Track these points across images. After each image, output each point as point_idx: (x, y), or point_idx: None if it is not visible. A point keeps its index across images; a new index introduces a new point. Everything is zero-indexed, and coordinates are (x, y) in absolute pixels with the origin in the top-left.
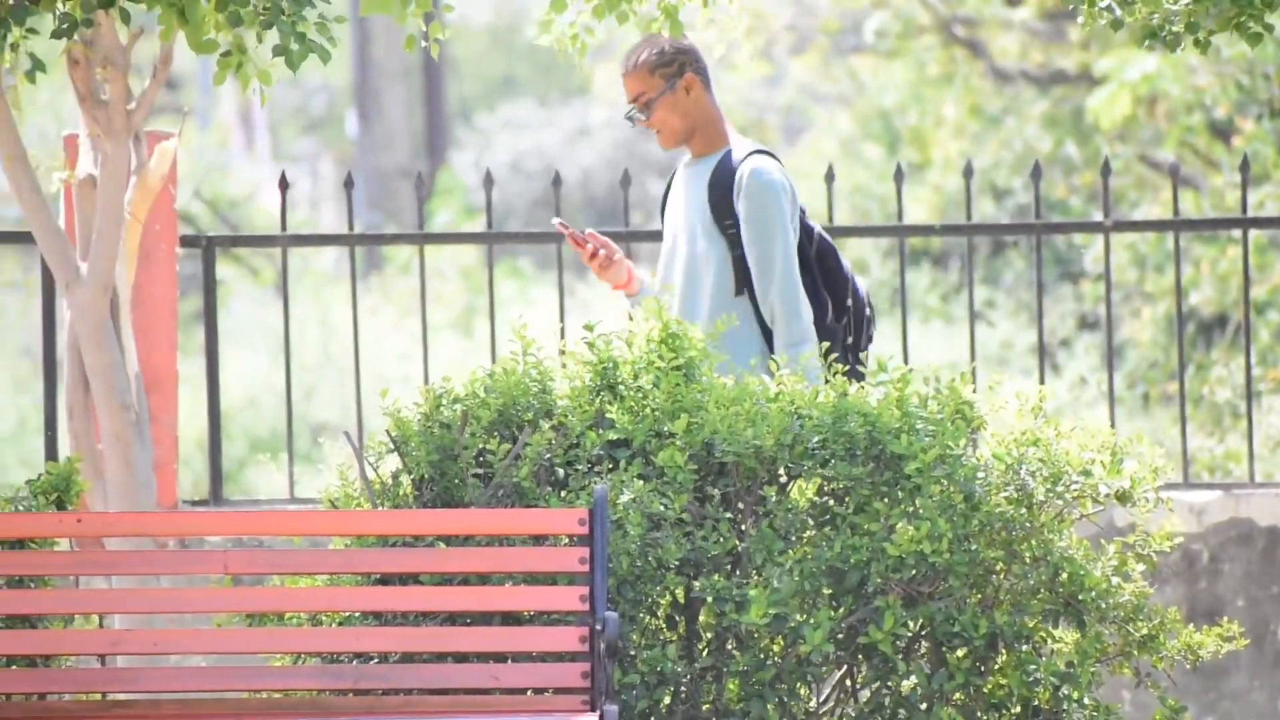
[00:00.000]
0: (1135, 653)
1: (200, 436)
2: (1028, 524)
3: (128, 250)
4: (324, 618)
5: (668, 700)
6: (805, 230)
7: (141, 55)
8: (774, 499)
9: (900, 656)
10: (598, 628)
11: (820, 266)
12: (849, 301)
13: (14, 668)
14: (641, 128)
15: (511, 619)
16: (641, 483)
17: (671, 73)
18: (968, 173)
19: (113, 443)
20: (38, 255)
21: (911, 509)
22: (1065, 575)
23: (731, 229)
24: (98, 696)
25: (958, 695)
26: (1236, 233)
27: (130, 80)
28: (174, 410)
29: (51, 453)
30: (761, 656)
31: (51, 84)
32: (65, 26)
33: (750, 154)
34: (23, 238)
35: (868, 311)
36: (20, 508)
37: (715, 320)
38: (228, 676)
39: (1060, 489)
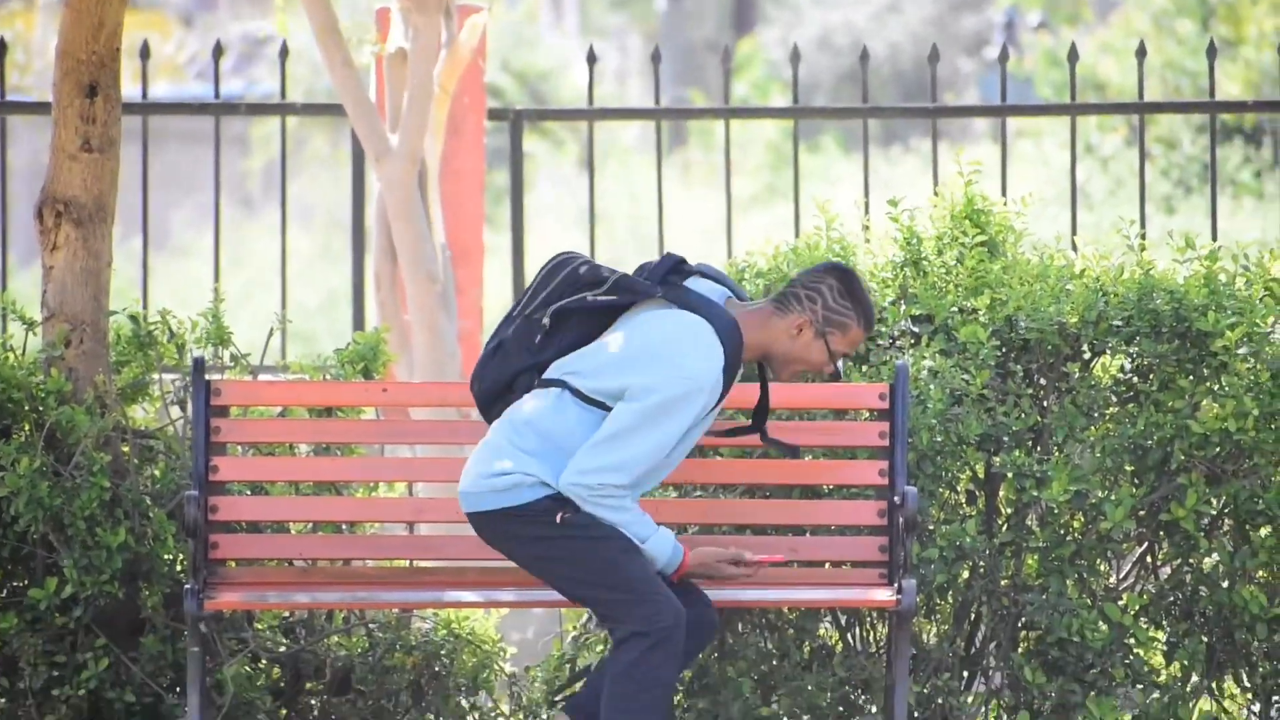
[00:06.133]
0: None
1: (506, 308)
2: None
3: (436, 123)
4: None
5: (966, 575)
6: None
7: None
8: (1077, 375)
9: (1202, 534)
10: (897, 502)
11: None
12: None
13: (321, 534)
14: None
15: (810, 492)
16: (943, 358)
17: None
18: None
19: (419, 314)
20: (348, 128)
21: (1217, 386)
22: None
23: None
24: (403, 563)
25: (1261, 573)
26: None
27: None
28: (480, 283)
29: (359, 323)
30: (1062, 533)
31: None
32: None
33: None
34: (333, 110)
35: None
36: (328, 376)
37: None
38: None
39: None
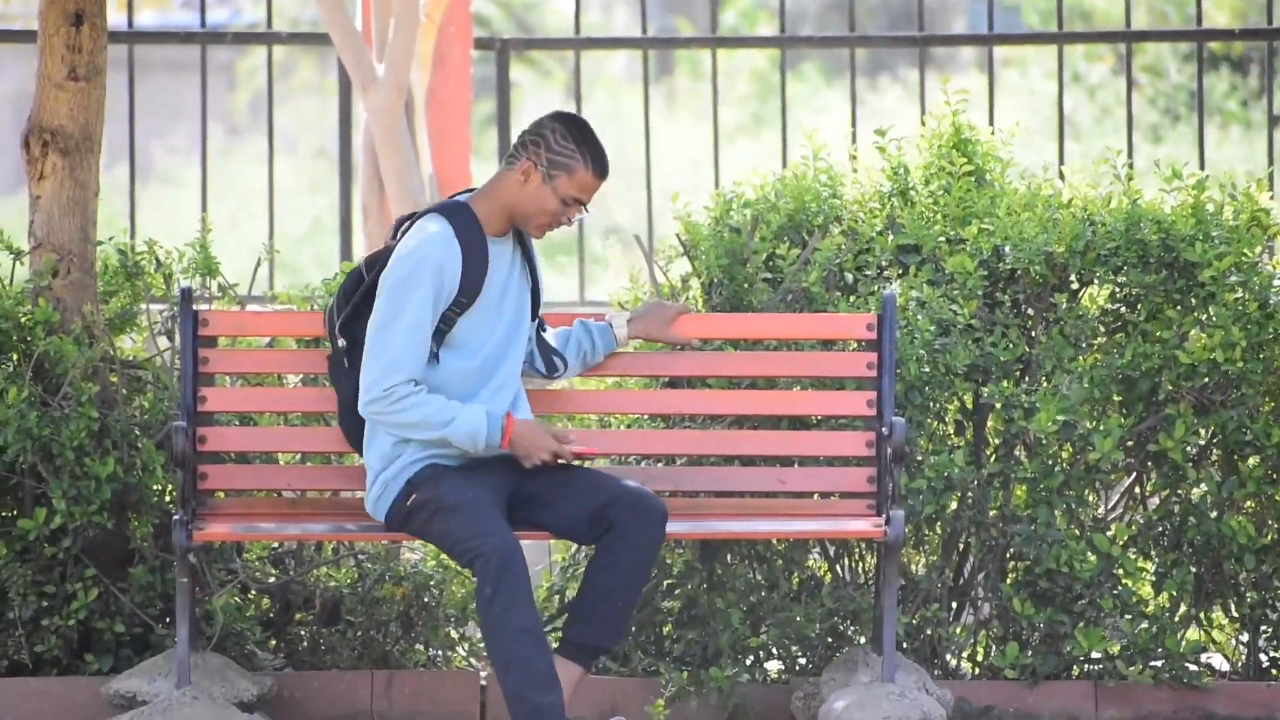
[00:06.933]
0: None
1: None
2: None
3: (423, 52)
4: (612, 419)
5: (954, 506)
6: None
7: None
8: (1064, 305)
9: (1191, 464)
10: (885, 433)
11: None
12: None
13: (309, 464)
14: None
15: (799, 423)
16: (931, 288)
17: None
18: None
19: None
20: (334, 57)
21: (1205, 316)
22: None
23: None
24: None
25: (1249, 503)
26: None
27: None
28: None
29: (346, 253)
30: (1050, 463)
31: None
32: None
33: None
34: (320, 39)
35: None
36: (316, 307)
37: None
38: None
39: None
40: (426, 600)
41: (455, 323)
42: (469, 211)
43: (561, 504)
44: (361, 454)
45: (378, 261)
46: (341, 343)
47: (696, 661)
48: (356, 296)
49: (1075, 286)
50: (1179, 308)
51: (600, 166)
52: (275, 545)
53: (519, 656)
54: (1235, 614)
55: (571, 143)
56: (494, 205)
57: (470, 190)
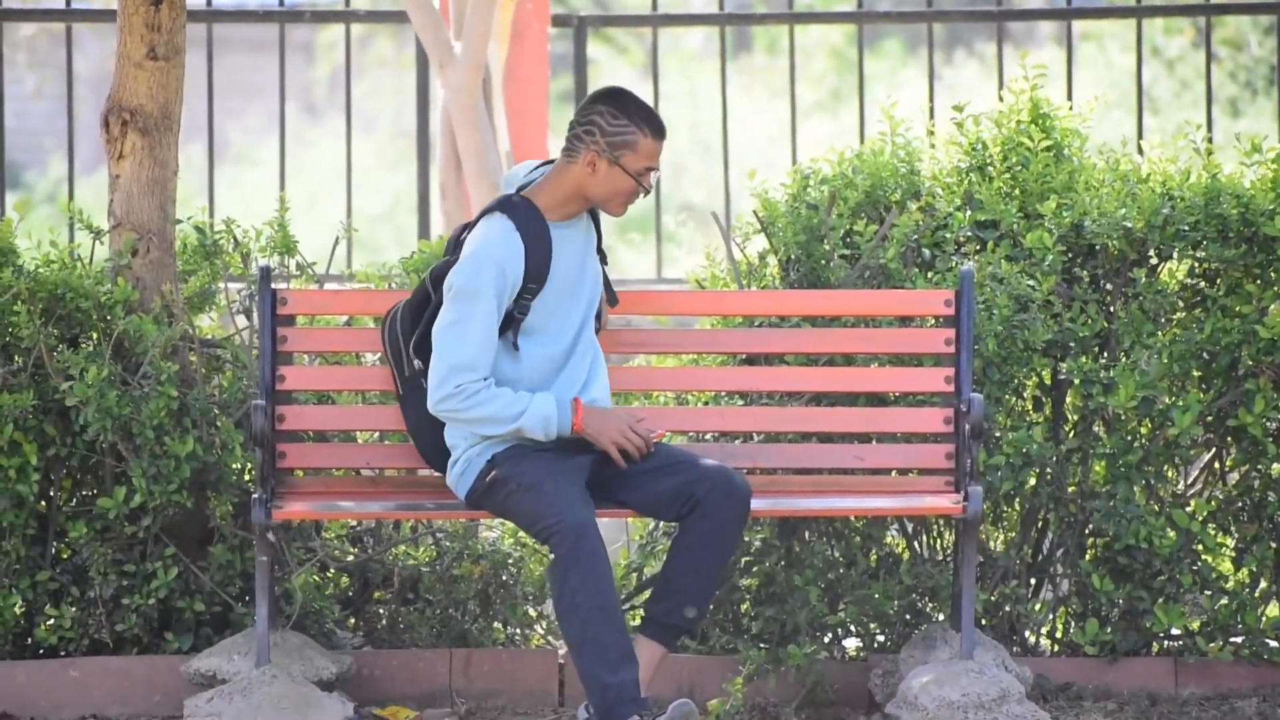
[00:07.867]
0: None
1: None
2: None
3: (500, 29)
4: (689, 396)
5: (1033, 482)
6: None
7: None
8: (1143, 280)
9: (1271, 440)
10: (963, 409)
11: None
12: None
13: (387, 443)
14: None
15: (876, 400)
16: (1009, 264)
17: None
18: None
19: None
20: (412, 34)
21: None
22: None
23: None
24: None
25: None
26: None
27: None
28: None
29: (424, 231)
30: (1129, 439)
31: None
32: None
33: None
34: (397, 17)
35: None
36: (394, 285)
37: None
38: None
39: None
40: (505, 578)
41: (530, 307)
42: (528, 204)
43: (644, 482)
44: (441, 470)
45: (435, 280)
46: (418, 364)
47: (774, 639)
48: (427, 314)
49: (1154, 261)
50: (1259, 282)
51: (657, 129)
52: (354, 523)
53: (592, 635)
54: None
55: (624, 118)
56: (560, 196)
57: (543, 165)
